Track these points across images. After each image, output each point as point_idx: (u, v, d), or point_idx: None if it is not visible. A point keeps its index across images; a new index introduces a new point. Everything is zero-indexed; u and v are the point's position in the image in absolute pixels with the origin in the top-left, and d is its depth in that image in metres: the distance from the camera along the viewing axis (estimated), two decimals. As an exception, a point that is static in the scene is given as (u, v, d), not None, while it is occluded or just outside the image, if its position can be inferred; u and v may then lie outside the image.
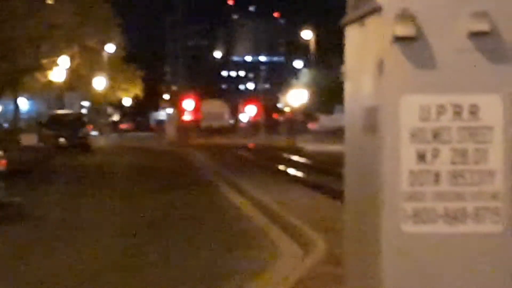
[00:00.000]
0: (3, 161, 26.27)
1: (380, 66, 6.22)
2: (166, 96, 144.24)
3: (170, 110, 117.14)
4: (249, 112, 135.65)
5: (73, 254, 17.94)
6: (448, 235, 6.14)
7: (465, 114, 6.14)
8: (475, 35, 6.10)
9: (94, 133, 75.24)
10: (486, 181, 6.15)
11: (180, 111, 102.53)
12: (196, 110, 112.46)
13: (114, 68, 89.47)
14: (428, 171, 6.15)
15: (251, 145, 72.50)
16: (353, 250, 7.15)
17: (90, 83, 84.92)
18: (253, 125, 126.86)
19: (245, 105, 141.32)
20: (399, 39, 6.10)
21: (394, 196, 6.15)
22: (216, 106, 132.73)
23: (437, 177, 6.15)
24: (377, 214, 6.20)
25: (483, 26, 6.07)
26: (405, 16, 6.10)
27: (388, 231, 6.15)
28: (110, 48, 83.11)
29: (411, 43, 6.12)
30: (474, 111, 6.14)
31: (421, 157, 6.15)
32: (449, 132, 6.14)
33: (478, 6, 6.10)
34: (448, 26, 6.14)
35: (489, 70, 6.14)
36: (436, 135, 6.14)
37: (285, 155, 54.47)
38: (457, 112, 6.14)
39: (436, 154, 6.15)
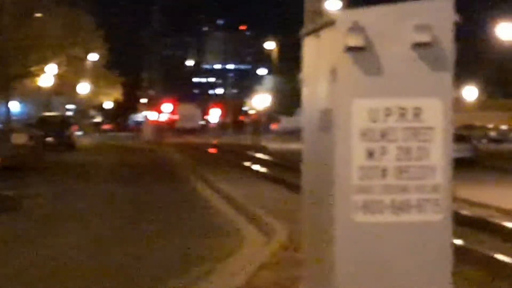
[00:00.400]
0: (-3, 158, 26.15)
1: (334, 73, 6.24)
2: (143, 100, 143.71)
3: (147, 113, 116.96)
4: (218, 114, 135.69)
5: (64, 238, 17.87)
6: (394, 224, 6.17)
7: (409, 116, 6.16)
8: (418, 46, 6.13)
9: (78, 133, 74.79)
10: (428, 175, 6.18)
11: (157, 113, 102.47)
12: (170, 112, 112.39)
13: (97, 74, 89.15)
14: (376, 166, 6.17)
15: (219, 143, 72.35)
16: (310, 238, 7.15)
17: (75, 88, 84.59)
18: (221, 125, 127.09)
19: (215, 108, 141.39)
20: (350, 49, 6.12)
21: (346, 189, 6.16)
22: (189, 109, 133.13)
23: (384, 172, 6.17)
24: (331, 206, 6.22)
25: (425, 38, 6.10)
26: (356, 28, 6.11)
27: (340, 220, 6.17)
28: (93, 56, 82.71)
29: (361, 53, 6.14)
30: (417, 113, 6.17)
31: (370, 154, 6.17)
32: (395, 132, 6.16)
33: (420, 20, 6.13)
34: (394, 38, 6.17)
35: (431, 77, 6.17)
36: (383, 134, 6.16)
37: (250, 152, 54.44)
38: (402, 114, 6.16)
39: (383, 151, 6.17)
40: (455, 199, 6.31)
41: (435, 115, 6.18)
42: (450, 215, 6.22)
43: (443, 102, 6.19)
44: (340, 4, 34.01)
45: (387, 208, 6.17)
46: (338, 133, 6.20)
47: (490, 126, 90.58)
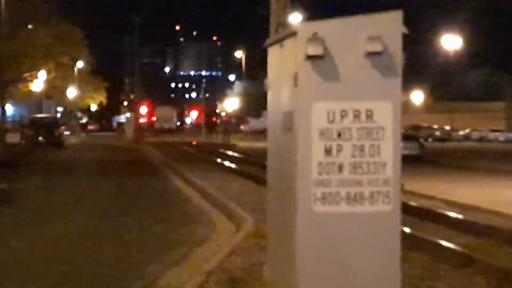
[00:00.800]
0: (-8, 155, 26.01)
1: (295, 79, 6.23)
2: (125, 103, 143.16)
3: (128, 114, 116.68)
4: (192, 116, 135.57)
5: (55, 226, 17.80)
6: (349, 214, 6.18)
7: (363, 117, 6.17)
8: (370, 54, 6.14)
9: (66, 132, 74.43)
10: (379, 170, 6.19)
11: (137, 115, 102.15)
12: (150, 114, 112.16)
13: (83, 80, 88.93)
14: (333, 162, 6.17)
15: (194, 142, 72.19)
16: (274, 226, 7.14)
17: (63, 92, 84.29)
18: (195, 126, 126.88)
19: (189, 110, 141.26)
20: (310, 57, 6.11)
21: (306, 183, 6.16)
22: (166, 112, 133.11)
23: (340, 167, 6.17)
24: (293, 197, 6.21)
25: (377, 47, 6.11)
26: (315, 39, 6.11)
27: (301, 210, 6.16)
28: (79, 64, 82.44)
29: (320, 61, 6.14)
30: (369, 114, 6.17)
31: (328, 151, 6.17)
32: (350, 131, 6.17)
33: (372, 31, 6.14)
34: (349, 47, 6.17)
35: (382, 82, 6.18)
36: (340, 134, 6.17)
37: (221, 150, 54.38)
38: (356, 115, 6.17)
39: (340, 149, 6.17)
40: (403, 191, 6.32)
41: (386, 116, 6.19)
42: (399, 206, 6.24)
43: (393, 105, 6.21)
44: (300, 17, 34.05)
45: (343, 200, 6.17)
46: (299, 132, 6.20)
47: (435, 126, 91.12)
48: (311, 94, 6.17)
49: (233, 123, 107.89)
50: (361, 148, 6.18)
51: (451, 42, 70.94)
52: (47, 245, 15.73)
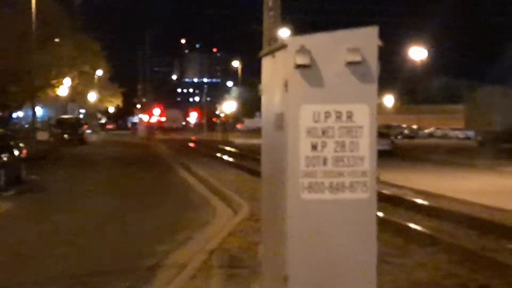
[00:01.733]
0: (24, 151, 25.97)
1: (286, 85, 6.22)
2: (138, 106, 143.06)
3: (141, 115, 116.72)
4: (195, 117, 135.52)
5: (79, 212, 17.86)
6: (332, 201, 6.17)
7: (344, 117, 6.16)
8: (350, 64, 6.13)
9: (88, 131, 74.29)
10: (358, 163, 6.18)
11: (149, 115, 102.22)
12: (159, 115, 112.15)
13: (102, 86, 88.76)
14: (318, 156, 6.16)
15: (197, 139, 72.18)
16: (268, 211, 7.13)
17: (85, 96, 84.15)
18: (198, 125, 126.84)
19: (193, 112, 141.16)
20: (298, 66, 6.10)
21: (295, 174, 6.15)
22: (174, 113, 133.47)
23: (324, 161, 6.16)
24: (284, 186, 6.20)
25: (356, 58, 6.10)
26: (303, 50, 6.10)
27: (291, 198, 6.16)
28: (99, 72, 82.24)
29: (307, 69, 6.12)
30: (350, 115, 6.16)
31: (314, 147, 6.16)
32: (333, 130, 6.16)
33: (352, 44, 6.13)
34: (332, 58, 6.16)
35: (360, 88, 6.17)
36: (324, 132, 6.16)
37: (221, 146, 54.39)
38: (338, 116, 6.16)
39: (324, 145, 6.16)
40: (378, 181, 6.32)
41: (364, 117, 6.18)
42: (375, 194, 6.24)
43: (370, 107, 6.20)
44: (289, 32, 34.02)
45: (326, 189, 6.16)
46: (289, 131, 6.19)
47: (404, 125, 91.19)
48: (299, 98, 6.16)
49: (231, 122, 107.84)
50: (343, 144, 6.18)
51: (418, 53, 71.02)
52: (74, 224, 15.77)
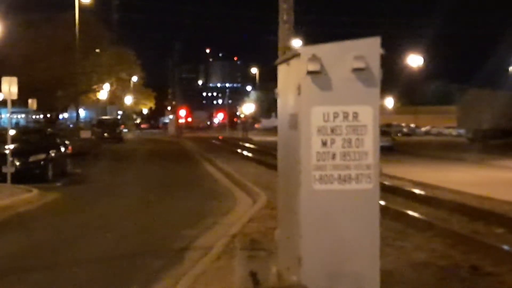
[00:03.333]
0: (70, 148, 26.10)
1: (299, 89, 6.22)
2: (168, 108, 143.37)
3: (171, 116, 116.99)
4: (219, 117, 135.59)
5: (117, 200, 17.99)
6: (340, 191, 6.17)
7: (350, 117, 6.16)
8: (356, 70, 6.13)
9: (125, 130, 74.51)
10: (363, 158, 6.18)
11: (177, 116, 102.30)
12: (187, 116, 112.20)
13: (137, 90, 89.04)
14: (328, 152, 6.17)
15: (220, 137, 72.18)
16: (283, 200, 7.15)
17: (122, 99, 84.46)
18: (221, 125, 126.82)
19: (216, 113, 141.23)
20: (310, 72, 6.11)
21: (308, 167, 6.16)
22: (200, 115, 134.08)
23: (333, 155, 6.17)
24: (298, 178, 6.21)
25: (361, 65, 6.10)
26: (314, 58, 6.10)
27: (304, 188, 6.17)
28: (134, 78, 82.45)
29: (318, 75, 6.13)
30: (355, 116, 6.17)
31: (324, 143, 6.17)
32: (340, 128, 6.16)
33: (357, 53, 6.13)
34: (339, 65, 6.16)
35: (364, 91, 6.17)
36: (332, 130, 6.16)
37: (241, 143, 54.35)
38: (345, 116, 6.16)
39: (333, 142, 6.17)
40: (381, 174, 6.31)
41: (368, 117, 6.18)
42: (378, 184, 6.23)
43: (373, 108, 6.20)
44: (301, 42, 33.93)
45: (335, 180, 6.17)
46: (302, 129, 6.19)
47: (403, 124, 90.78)
48: (311, 100, 6.16)
49: (250, 122, 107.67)
50: (349, 141, 6.18)
51: (415, 60, 70.75)
52: (113, 211, 15.87)
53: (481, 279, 8.64)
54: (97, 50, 60.89)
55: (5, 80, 20.50)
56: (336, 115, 6.15)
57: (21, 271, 9.59)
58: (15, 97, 20.51)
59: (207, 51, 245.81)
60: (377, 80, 6.16)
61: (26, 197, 17.34)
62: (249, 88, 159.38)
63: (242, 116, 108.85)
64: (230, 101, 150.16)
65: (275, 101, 7.42)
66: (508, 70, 74.69)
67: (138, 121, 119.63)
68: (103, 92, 70.57)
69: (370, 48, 6.16)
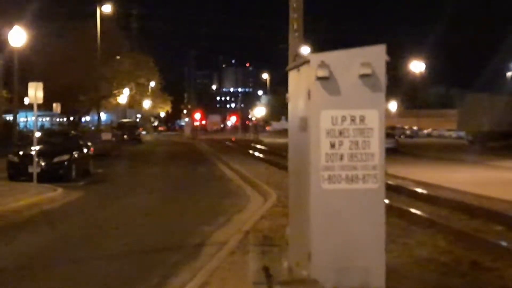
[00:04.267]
0: (92, 149, 26.16)
1: (309, 94, 6.23)
2: (184, 111, 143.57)
3: (187, 119, 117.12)
4: (232, 120, 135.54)
5: (137, 199, 18.02)
6: (348, 190, 6.17)
7: (357, 121, 6.16)
8: (362, 76, 6.13)
9: (143, 132, 74.64)
10: (369, 159, 6.18)
11: (193, 119, 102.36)
12: (202, 119, 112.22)
13: (155, 95, 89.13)
14: (336, 153, 6.17)
15: (233, 139, 72.20)
16: (294, 199, 7.15)
17: (141, 103, 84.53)
18: (234, 127, 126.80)
19: (230, 116, 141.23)
20: (319, 78, 6.12)
21: (317, 168, 6.16)
22: (215, 118, 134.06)
23: (341, 157, 6.17)
24: (308, 178, 6.21)
25: (367, 71, 6.10)
26: (323, 65, 6.11)
27: (313, 188, 6.17)
28: (152, 83, 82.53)
29: (326, 81, 6.14)
30: (362, 119, 6.17)
31: (332, 145, 6.17)
32: (348, 131, 6.17)
33: (364, 59, 6.13)
34: (347, 71, 6.16)
35: (371, 96, 6.17)
36: (340, 133, 6.17)
37: (252, 144, 54.33)
38: (353, 119, 6.17)
39: (341, 143, 6.17)
40: (386, 174, 6.31)
41: (374, 120, 6.18)
42: (384, 184, 6.23)
43: (379, 112, 6.19)
44: (309, 49, 33.90)
45: (343, 180, 6.17)
46: (311, 132, 6.20)
47: (406, 127, 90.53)
48: (320, 104, 6.17)
49: (261, 125, 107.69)
50: (356, 143, 6.18)
51: (417, 66, 70.57)
52: (133, 209, 15.90)
53: (481, 274, 8.62)
54: (118, 57, 61.06)
55: (32, 85, 20.63)
56: (344, 119, 6.15)
57: (46, 265, 9.65)
58: (40, 101, 20.62)
59: (221, 58, 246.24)
60: (383, 85, 6.16)
61: (50, 195, 17.41)
62: (260, 92, 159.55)
63: (253, 119, 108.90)
64: (242, 105, 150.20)
65: (285, 105, 7.43)
66: (506, 75, 74.37)
67: (155, 124, 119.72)
68: (123, 97, 70.70)
69: (376, 55, 6.17)
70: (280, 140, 55.78)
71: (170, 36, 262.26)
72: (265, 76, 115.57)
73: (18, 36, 24.87)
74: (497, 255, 9.52)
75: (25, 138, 27.37)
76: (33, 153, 20.39)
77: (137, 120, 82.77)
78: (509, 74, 75.25)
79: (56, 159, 21.86)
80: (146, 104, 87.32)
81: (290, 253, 7.23)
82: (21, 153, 21.88)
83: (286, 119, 7.50)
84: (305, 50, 24.96)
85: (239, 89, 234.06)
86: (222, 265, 8.79)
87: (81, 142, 25.13)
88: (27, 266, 9.52)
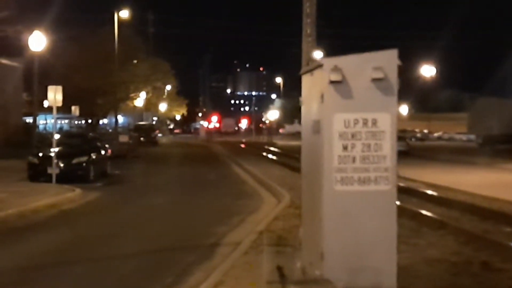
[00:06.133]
0: (109, 151, 26.26)
1: (322, 97, 6.22)
2: (199, 114, 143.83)
3: (202, 122, 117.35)
4: (246, 123, 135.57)
5: (153, 199, 18.00)
6: (360, 191, 6.16)
7: (369, 124, 6.15)
8: (375, 80, 6.11)
9: (159, 135, 74.76)
10: (381, 161, 6.16)
11: (208, 122, 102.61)
12: (218, 121, 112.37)
13: (171, 98, 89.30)
14: (348, 155, 6.16)
15: (246, 141, 72.21)
16: (307, 200, 7.14)
17: (157, 107, 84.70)
18: (247, 130, 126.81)
19: (244, 119, 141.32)
20: (332, 82, 6.11)
21: (330, 170, 6.15)
22: (229, 121, 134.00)
23: (354, 159, 6.16)
24: (320, 180, 6.20)
25: (379, 75, 6.08)
26: (336, 69, 6.10)
27: (326, 189, 6.16)
28: (168, 87, 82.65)
29: (339, 84, 6.12)
30: (374, 122, 6.15)
31: (345, 148, 6.16)
32: (360, 134, 6.15)
33: (376, 63, 6.11)
34: (359, 75, 6.15)
35: (383, 100, 6.16)
36: (353, 135, 6.15)
37: (266, 147, 54.31)
38: (365, 123, 6.15)
39: (353, 146, 6.16)
40: (397, 176, 6.29)
41: (386, 123, 6.16)
42: (395, 186, 6.21)
43: (391, 115, 6.18)
44: (322, 54, 33.87)
45: (355, 182, 6.15)
46: (324, 134, 6.19)
47: (417, 130, 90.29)
48: (333, 107, 6.16)
49: (274, 128, 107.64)
50: (368, 146, 6.16)
51: (428, 70, 70.30)
52: (149, 210, 15.94)
53: (491, 274, 8.57)
54: (135, 61, 61.20)
55: (51, 88, 20.75)
56: (356, 122, 6.14)
57: (65, 263, 9.69)
58: (59, 104, 20.72)
59: (235, 62, 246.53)
60: (395, 89, 6.15)
61: (69, 196, 17.49)
62: (273, 96, 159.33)
63: (267, 122, 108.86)
64: (256, 108, 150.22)
65: (298, 108, 7.42)
66: (515, 80, 73.90)
67: (171, 126, 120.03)
68: (140, 100, 70.91)
69: (388, 60, 6.15)
70: (293, 143, 55.73)
71: (186, 41, 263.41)
72: (279, 80, 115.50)
73: (38, 41, 25.03)
74: (507, 256, 9.46)
75: (45, 140, 27.47)
76: (52, 154, 20.51)
77: (154, 122, 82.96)
78: (518, 78, 74.77)
79: (74, 161, 21.95)
80: (162, 107, 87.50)
81: (303, 253, 7.22)
82: (40, 154, 21.98)
83: (299, 122, 7.51)
84: (318, 54, 24.96)
85: (253, 93, 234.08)
86: (236, 264, 8.79)
87: (98, 144, 25.22)
88: (47, 265, 9.56)
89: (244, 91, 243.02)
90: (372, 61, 6.15)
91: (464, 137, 77.82)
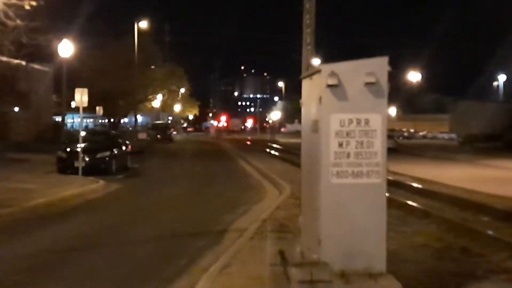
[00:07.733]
0: (130, 147, 26.30)
1: (320, 99, 6.20)
2: (210, 114, 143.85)
3: (212, 121, 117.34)
4: (251, 123, 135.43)
5: (168, 190, 18.01)
6: (354, 184, 6.13)
7: (362, 123, 6.12)
8: (367, 84, 6.09)
9: (174, 133, 74.79)
10: (373, 157, 6.14)
11: (218, 121, 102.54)
12: (225, 121, 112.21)
13: (184, 100, 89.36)
14: (343, 152, 6.13)
15: (252, 139, 72.14)
16: (306, 192, 7.12)
17: (172, 107, 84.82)
18: (253, 129, 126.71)
19: (250, 119, 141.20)
20: (329, 86, 6.08)
21: (327, 164, 6.13)
22: (236, 121, 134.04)
23: (348, 155, 6.13)
24: (318, 173, 6.18)
25: (371, 80, 6.06)
26: (332, 74, 6.08)
27: (323, 182, 6.14)
28: (182, 90, 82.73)
29: (336, 88, 6.10)
30: (367, 122, 6.12)
31: (340, 144, 6.13)
32: (354, 132, 6.13)
33: (369, 69, 6.09)
34: (354, 79, 6.12)
35: (374, 102, 6.13)
36: (347, 134, 6.13)
37: (269, 144, 54.28)
38: (358, 122, 6.12)
39: (348, 143, 6.13)
40: (387, 170, 6.26)
41: (377, 123, 6.14)
42: (385, 180, 6.19)
43: (381, 116, 6.15)
44: (320, 60, 33.79)
45: (349, 175, 6.13)
46: (322, 133, 6.17)
47: (404, 129, 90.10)
48: (330, 109, 6.14)
49: (277, 127, 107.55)
50: (361, 143, 6.14)
51: (414, 76, 70.15)
52: (164, 199, 15.94)
53: (471, 259, 8.55)
54: (152, 67, 61.27)
55: (78, 91, 20.77)
56: (350, 121, 6.12)
57: (90, 247, 9.70)
58: (85, 104, 20.74)
59: (242, 68, 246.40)
60: (385, 92, 6.12)
61: (94, 187, 17.52)
62: (276, 98, 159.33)
63: (270, 121, 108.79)
64: (260, 109, 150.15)
65: (299, 109, 7.39)
66: (493, 85, 73.73)
67: (185, 125, 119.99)
68: (157, 101, 71.03)
69: (379, 66, 6.12)
70: (293, 140, 55.70)
71: (199, 48, 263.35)
72: (281, 84, 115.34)
73: (67, 48, 25.08)
74: (484, 243, 9.45)
75: (72, 137, 27.51)
76: (78, 150, 20.57)
77: (169, 122, 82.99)
78: (495, 84, 74.53)
79: (99, 155, 22.00)
80: (177, 108, 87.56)
81: (302, 239, 7.21)
82: (68, 150, 22.03)
83: (299, 121, 7.48)
84: (316, 61, 24.91)
85: (258, 95, 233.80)
86: (242, 249, 8.79)
87: (120, 141, 25.27)
88: (75, 248, 9.57)
89: (250, 94, 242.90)
90: (365, 67, 6.12)
91: (446, 136, 77.63)
